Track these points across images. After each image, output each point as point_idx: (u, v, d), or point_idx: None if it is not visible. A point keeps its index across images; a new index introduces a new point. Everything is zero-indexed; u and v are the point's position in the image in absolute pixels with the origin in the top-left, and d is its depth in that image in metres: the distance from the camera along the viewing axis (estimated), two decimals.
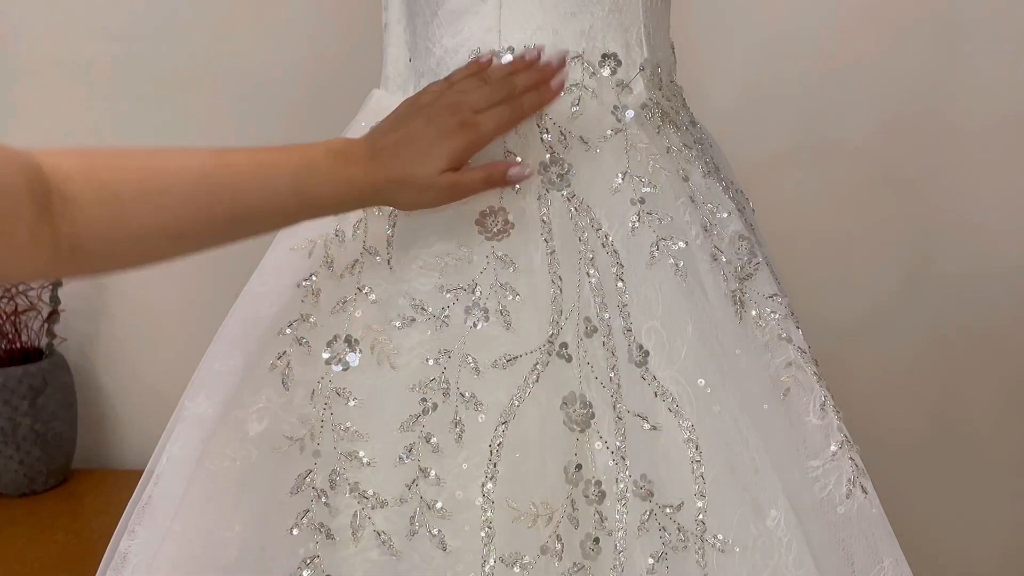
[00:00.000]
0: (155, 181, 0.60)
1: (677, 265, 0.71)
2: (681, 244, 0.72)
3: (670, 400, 0.68)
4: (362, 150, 0.70)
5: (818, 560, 0.69)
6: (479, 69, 0.75)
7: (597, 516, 0.68)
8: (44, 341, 1.74)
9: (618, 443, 0.68)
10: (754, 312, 0.75)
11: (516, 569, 0.66)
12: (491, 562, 0.66)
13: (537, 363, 0.69)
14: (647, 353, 0.69)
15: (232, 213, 0.63)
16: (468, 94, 0.72)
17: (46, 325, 1.73)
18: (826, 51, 1.55)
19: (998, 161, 1.51)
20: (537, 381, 0.69)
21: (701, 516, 0.68)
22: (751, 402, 0.70)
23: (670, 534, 0.68)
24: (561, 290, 0.71)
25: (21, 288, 1.72)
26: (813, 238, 1.62)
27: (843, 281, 1.64)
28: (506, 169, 0.72)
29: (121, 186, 0.59)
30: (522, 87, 0.73)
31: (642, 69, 0.78)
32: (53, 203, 0.55)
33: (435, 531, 0.67)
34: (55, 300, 1.73)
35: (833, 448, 0.73)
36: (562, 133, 0.75)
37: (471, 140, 0.71)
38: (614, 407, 0.69)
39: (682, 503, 0.67)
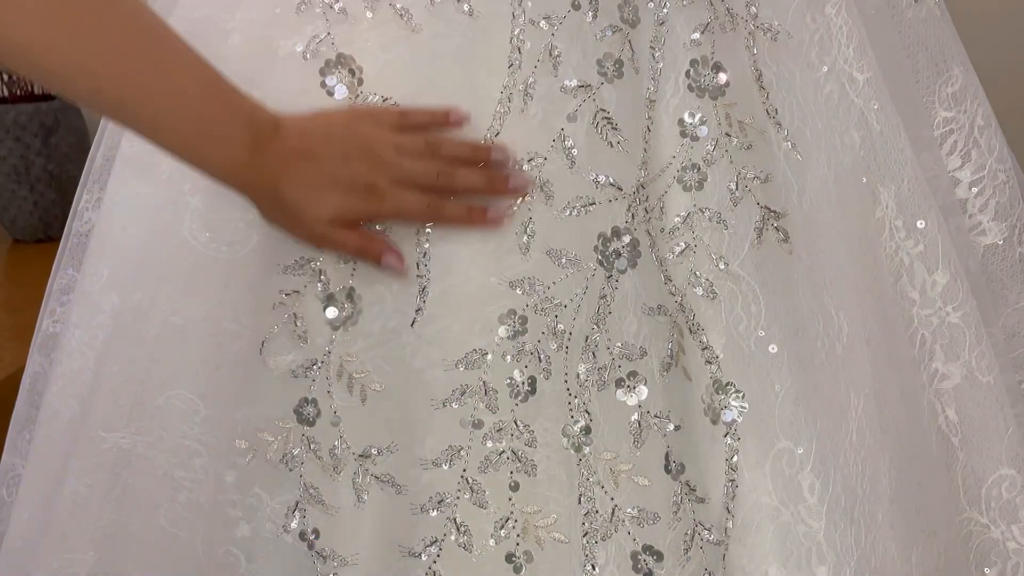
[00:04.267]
0: None
1: None
2: None
3: None
4: (265, 134, 0.61)
5: (881, 61, 0.66)
6: (439, 123, 0.63)
7: None
8: None
9: None
10: None
11: (543, 25, 0.63)
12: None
13: None
14: None
15: (117, 91, 0.56)
16: (402, 160, 0.62)
17: None
18: None
19: None
20: None
21: (753, 8, 0.65)
22: None
23: (717, 10, 0.64)
24: None
25: None
26: None
27: None
28: (382, 254, 0.62)
29: None
30: (460, 186, 0.62)
31: None
32: None
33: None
34: None
35: None
36: None
37: (368, 212, 0.62)
38: None
39: None
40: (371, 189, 0.61)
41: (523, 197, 0.62)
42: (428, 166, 0.62)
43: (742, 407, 0.63)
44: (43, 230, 1.70)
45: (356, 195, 0.61)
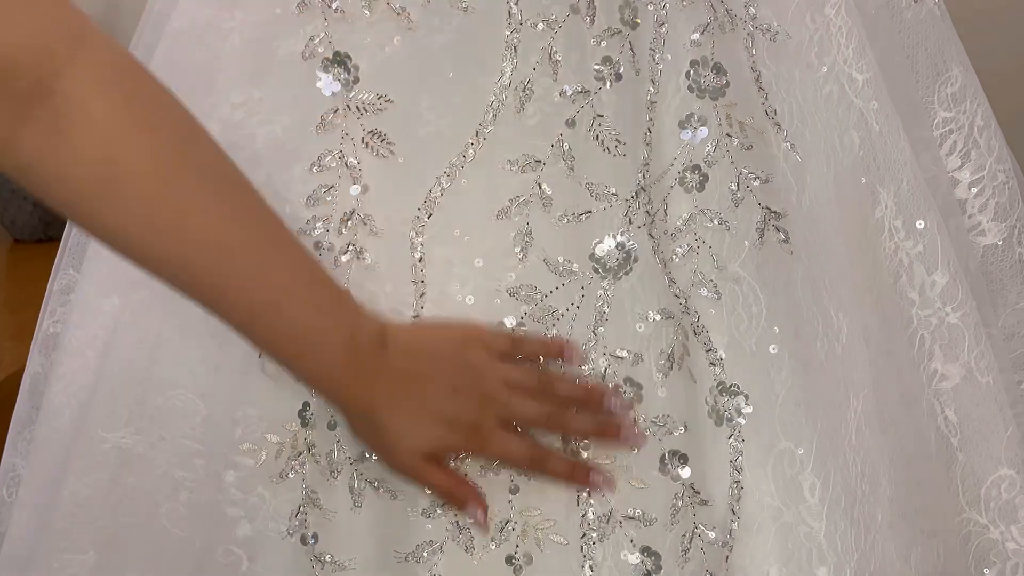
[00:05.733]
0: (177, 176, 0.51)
1: None
2: None
3: None
4: (366, 349, 0.57)
5: (880, 61, 0.66)
6: (553, 355, 0.60)
7: None
8: None
9: None
10: None
11: (541, 27, 0.63)
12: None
13: None
14: None
15: (216, 290, 0.54)
16: (512, 399, 0.58)
17: None
18: None
19: None
20: None
21: (751, 9, 0.65)
22: None
23: (717, 11, 0.64)
24: None
25: None
26: None
27: None
28: (467, 502, 0.59)
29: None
30: (571, 431, 0.60)
31: None
32: (28, 97, 0.47)
33: None
34: None
35: None
36: None
37: (468, 449, 0.60)
38: None
39: None
40: (476, 428, 0.58)
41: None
42: (539, 408, 0.59)
43: (746, 409, 0.63)
44: (43, 230, 1.70)
45: (459, 433, 0.58)
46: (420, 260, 0.62)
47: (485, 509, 0.59)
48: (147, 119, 0.51)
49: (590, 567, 0.61)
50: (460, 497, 0.59)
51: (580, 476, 0.60)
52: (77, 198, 0.50)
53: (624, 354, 0.63)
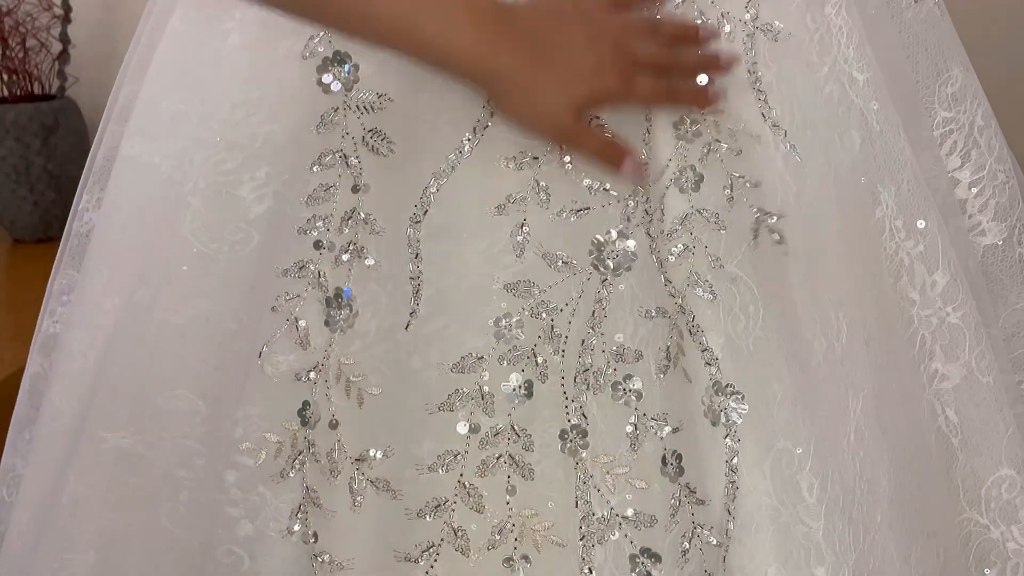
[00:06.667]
0: None
1: None
2: None
3: None
4: (489, 14, 0.57)
5: (881, 61, 0.66)
6: (646, 0, 0.62)
7: None
8: (55, 84, 1.70)
9: None
10: None
11: None
12: None
13: None
14: None
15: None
16: (639, 42, 0.59)
17: (56, 64, 1.68)
18: None
19: None
20: None
21: (752, 10, 0.65)
22: None
23: (707, 15, 0.65)
24: None
25: (30, 27, 1.67)
26: None
27: None
28: (623, 158, 0.60)
29: None
30: (685, 66, 0.62)
31: None
32: None
33: None
34: (64, 38, 1.68)
35: None
36: None
37: (617, 96, 0.60)
38: None
39: None
40: (621, 75, 0.59)
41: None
42: (659, 48, 0.61)
43: (741, 409, 0.63)
44: (43, 230, 1.70)
45: (607, 78, 0.58)
46: (417, 256, 0.62)
47: (639, 164, 0.61)
48: None
49: (588, 568, 0.61)
50: (616, 155, 0.61)
51: (703, 95, 0.62)
52: None
53: (623, 351, 0.62)
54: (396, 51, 0.58)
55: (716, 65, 0.62)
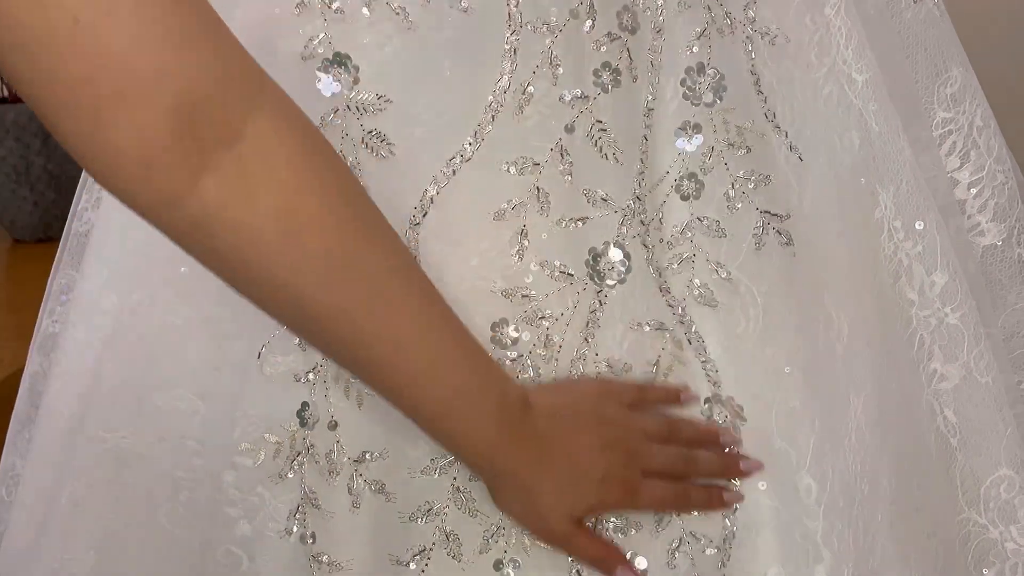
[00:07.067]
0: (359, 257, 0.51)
1: None
2: None
3: None
4: (516, 413, 0.57)
5: (880, 61, 0.66)
6: (672, 401, 0.63)
7: None
8: None
9: None
10: None
11: (540, 29, 0.62)
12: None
13: None
14: None
15: (372, 356, 0.53)
16: (654, 450, 0.60)
17: None
18: None
19: None
20: None
21: (751, 11, 0.65)
22: None
23: (715, 14, 0.64)
24: None
25: None
26: None
27: None
28: (617, 566, 0.59)
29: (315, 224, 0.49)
30: (702, 472, 0.61)
31: None
32: (214, 142, 0.45)
33: None
34: None
35: None
36: None
37: (619, 504, 0.60)
38: None
39: None
40: (625, 482, 0.58)
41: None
42: (676, 455, 0.60)
43: (740, 422, 0.63)
44: (43, 230, 1.70)
45: (612, 489, 0.58)
46: (415, 258, 0.62)
47: (636, 572, 0.60)
48: (322, 168, 0.51)
49: (576, 571, 0.61)
50: (612, 561, 0.59)
51: (718, 500, 0.61)
52: (251, 252, 0.48)
53: (614, 362, 0.63)
54: (407, 415, 0.57)
55: (736, 470, 0.61)
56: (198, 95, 0.45)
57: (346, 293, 0.51)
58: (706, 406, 0.64)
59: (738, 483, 0.63)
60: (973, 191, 0.74)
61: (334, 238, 0.50)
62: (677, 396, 0.62)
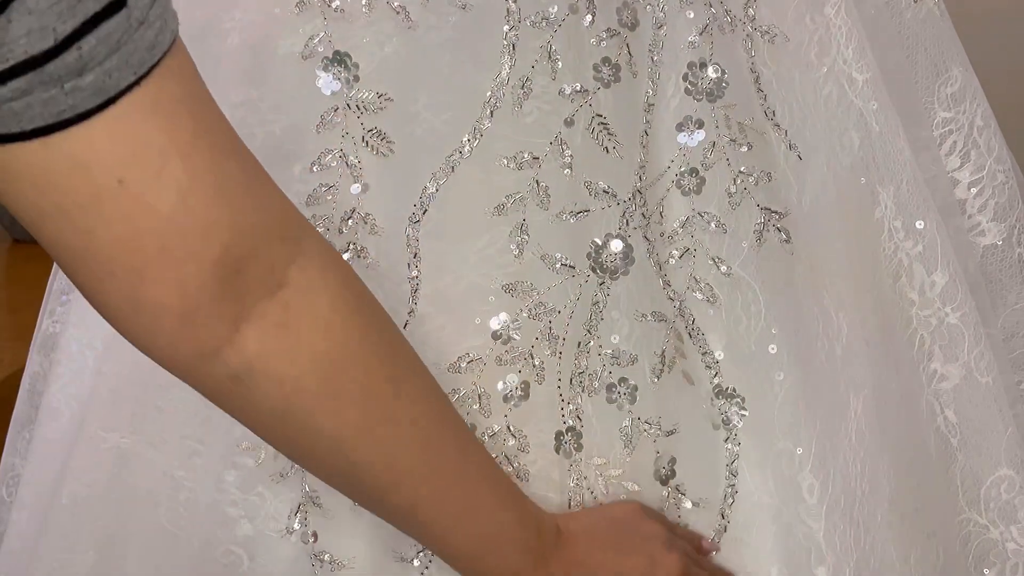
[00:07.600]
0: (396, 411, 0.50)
1: None
2: None
3: None
4: (550, 544, 0.57)
5: (880, 61, 0.66)
6: (704, 551, 0.63)
7: None
8: None
9: None
10: None
11: (539, 25, 0.62)
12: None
13: None
14: None
15: (406, 503, 0.53)
16: (692, 570, 0.60)
17: None
18: None
19: None
20: None
21: (751, 9, 0.65)
22: None
23: (716, 11, 0.64)
24: None
25: None
26: None
27: None
28: None
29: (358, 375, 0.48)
30: None
31: None
32: (258, 291, 0.44)
33: None
34: None
35: None
36: None
37: None
38: None
39: None
40: None
41: None
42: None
43: (742, 413, 0.63)
44: None
45: None
46: (415, 256, 0.62)
47: None
48: (363, 308, 0.50)
49: None
50: None
51: None
52: (292, 401, 0.47)
53: (618, 354, 0.63)
54: (439, 554, 0.57)
55: None
56: (245, 246, 0.44)
57: (386, 436, 0.51)
58: (705, 398, 0.64)
59: (736, 489, 0.63)
60: (973, 191, 0.74)
61: (376, 381, 0.50)
62: (699, 544, 0.62)
